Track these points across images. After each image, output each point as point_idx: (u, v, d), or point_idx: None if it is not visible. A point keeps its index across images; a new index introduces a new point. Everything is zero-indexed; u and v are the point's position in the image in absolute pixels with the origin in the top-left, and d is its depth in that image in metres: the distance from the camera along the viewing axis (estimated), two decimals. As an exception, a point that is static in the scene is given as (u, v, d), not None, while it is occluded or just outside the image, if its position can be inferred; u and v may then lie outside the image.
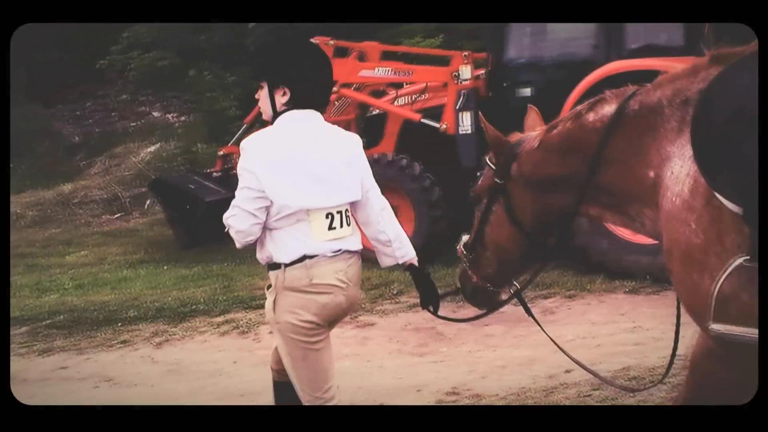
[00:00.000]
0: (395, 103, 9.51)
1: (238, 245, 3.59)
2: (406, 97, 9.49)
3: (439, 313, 3.93)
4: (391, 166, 8.64)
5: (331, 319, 3.60)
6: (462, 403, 5.10)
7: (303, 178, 3.49)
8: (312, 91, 3.66)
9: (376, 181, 3.79)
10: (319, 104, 3.72)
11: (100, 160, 14.55)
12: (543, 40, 8.75)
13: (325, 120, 3.72)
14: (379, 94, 10.01)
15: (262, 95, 3.68)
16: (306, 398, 3.62)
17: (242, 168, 3.52)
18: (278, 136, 3.57)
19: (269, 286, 3.61)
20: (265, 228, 3.53)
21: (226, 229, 3.60)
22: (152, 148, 14.96)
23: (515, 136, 3.58)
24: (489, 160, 3.58)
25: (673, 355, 3.31)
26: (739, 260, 2.63)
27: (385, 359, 6.26)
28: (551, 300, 7.26)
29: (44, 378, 6.24)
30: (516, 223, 3.51)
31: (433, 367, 5.99)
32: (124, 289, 8.79)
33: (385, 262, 3.84)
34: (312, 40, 10.45)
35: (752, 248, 2.58)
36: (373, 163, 4.78)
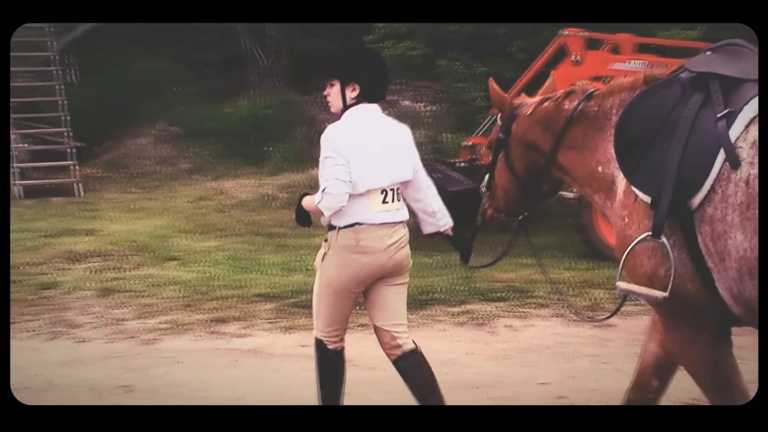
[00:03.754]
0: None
1: (327, 213, 4.25)
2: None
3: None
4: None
5: (370, 278, 4.41)
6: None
7: (367, 162, 4.26)
8: (376, 87, 4.47)
9: None
10: (380, 98, 4.52)
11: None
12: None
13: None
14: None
15: (334, 91, 4.43)
16: (317, 327, 4.53)
17: (328, 153, 4.26)
18: (352, 126, 4.35)
19: (326, 240, 4.41)
20: None
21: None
22: (401, 137, 15.26)
23: (518, 100, 4.40)
24: (499, 118, 4.41)
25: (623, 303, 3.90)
26: (643, 235, 3.35)
27: (623, 363, 6.05)
28: None
29: (287, 354, 6.53)
30: (512, 171, 4.32)
31: (677, 374, 5.72)
32: (367, 273, 9.03)
33: (428, 229, 4.71)
34: (564, 30, 10.31)
35: (655, 227, 3.30)
36: None
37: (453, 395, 5.47)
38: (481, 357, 6.37)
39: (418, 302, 7.86)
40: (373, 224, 4.31)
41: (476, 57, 14.92)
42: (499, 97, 4.40)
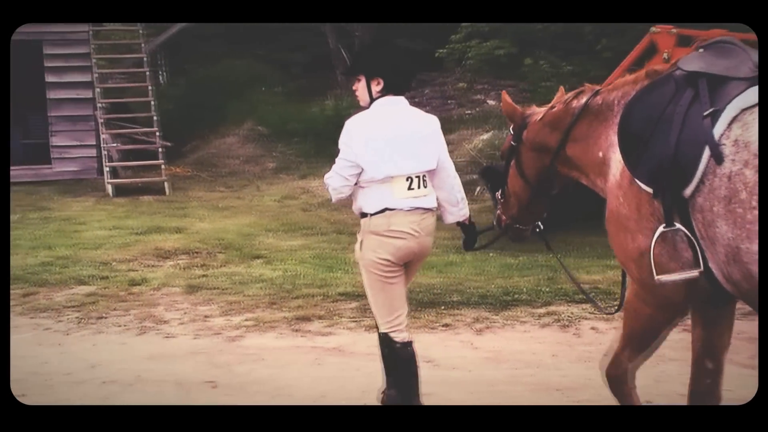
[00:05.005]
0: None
1: (333, 200, 4.75)
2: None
3: None
4: None
5: (404, 260, 4.61)
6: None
7: (390, 150, 4.51)
8: (400, 80, 4.71)
9: None
10: (404, 90, 4.76)
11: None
12: None
13: None
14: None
15: (360, 86, 4.71)
16: (380, 322, 4.67)
17: (343, 143, 4.58)
18: (374, 117, 4.62)
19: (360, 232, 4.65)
20: (358, 186, 4.60)
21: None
22: (486, 136, 15.19)
23: (529, 110, 4.69)
24: (511, 128, 4.72)
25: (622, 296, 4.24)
26: (661, 228, 3.59)
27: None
28: None
29: (370, 353, 6.54)
30: (523, 177, 4.67)
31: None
32: (450, 273, 9.01)
33: (449, 219, 4.96)
34: (654, 27, 10.11)
35: (666, 217, 3.57)
36: None
37: (536, 397, 5.44)
38: (565, 359, 6.29)
39: (501, 303, 7.82)
40: (401, 209, 4.54)
41: (562, 56, 14.76)
42: (510, 108, 4.73)
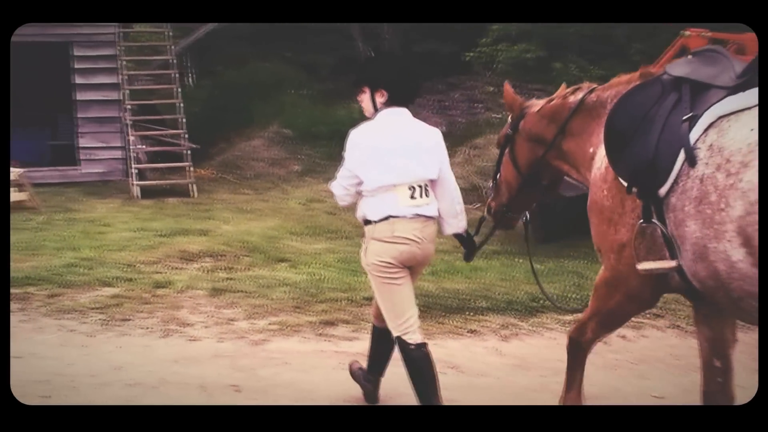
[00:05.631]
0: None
1: (340, 205, 5.01)
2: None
3: None
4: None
5: (407, 264, 4.76)
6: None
7: (392, 160, 4.67)
8: (403, 92, 4.86)
9: None
10: (408, 102, 4.91)
11: (462, 150, 14.99)
12: None
13: None
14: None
15: (365, 98, 4.91)
16: (392, 326, 4.80)
17: (347, 152, 4.77)
18: (377, 128, 4.79)
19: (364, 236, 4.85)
20: (362, 194, 4.78)
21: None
22: (513, 140, 15.11)
23: (528, 101, 5.02)
24: (509, 117, 5.03)
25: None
26: (640, 224, 3.81)
27: (743, 378, 5.83)
28: None
29: (394, 357, 6.52)
30: (515, 165, 4.95)
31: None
32: (477, 278, 8.97)
33: (448, 230, 5.04)
34: (686, 31, 10.04)
35: (646, 213, 3.78)
36: None
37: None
38: (592, 367, 6.20)
39: (528, 309, 7.78)
40: (405, 216, 4.70)
41: (592, 60, 14.70)
42: (511, 98, 5.09)
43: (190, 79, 23.86)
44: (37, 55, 17.02)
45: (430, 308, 7.74)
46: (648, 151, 3.75)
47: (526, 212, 5.38)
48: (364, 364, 5.61)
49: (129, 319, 7.40)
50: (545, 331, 7.24)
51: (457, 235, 5.16)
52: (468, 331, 7.21)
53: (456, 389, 5.70)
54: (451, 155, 5.24)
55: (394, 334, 4.83)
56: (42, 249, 10.01)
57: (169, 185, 15.39)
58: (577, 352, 4.65)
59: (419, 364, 4.77)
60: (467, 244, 5.25)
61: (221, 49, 22.25)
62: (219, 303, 8.00)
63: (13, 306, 7.65)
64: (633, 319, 7.52)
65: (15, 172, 13.25)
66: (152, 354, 6.54)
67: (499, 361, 6.52)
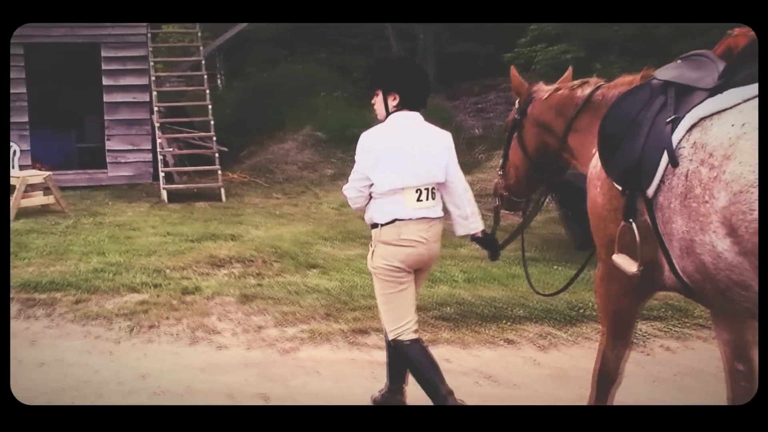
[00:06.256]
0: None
1: (352, 207, 5.12)
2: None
3: None
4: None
5: (414, 266, 4.98)
6: None
7: (401, 163, 4.88)
8: (415, 96, 5.06)
9: None
10: (420, 106, 5.10)
11: (498, 154, 14.93)
12: None
13: None
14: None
15: (378, 100, 5.10)
16: (389, 329, 5.00)
17: (358, 154, 4.97)
18: (388, 131, 4.99)
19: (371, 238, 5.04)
20: (370, 197, 4.98)
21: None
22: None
23: (535, 86, 5.21)
24: (517, 102, 5.26)
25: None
26: (623, 223, 4.05)
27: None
28: None
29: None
30: (524, 149, 5.17)
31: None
32: (513, 286, 8.90)
33: (460, 231, 5.25)
34: (733, 31, 9.91)
35: (627, 213, 4.02)
36: None
37: (603, 419, 5.32)
38: (634, 378, 6.14)
39: (567, 318, 7.70)
40: (411, 219, 4.91)
41: (633, 60, 14.56)
42: (518, 82, 5.30)
43: (221, 81, 24.00)
44: (66, 57, 17.20)
45: (466, 317, 7.70)
46: (635, 153, 3.96)
47: (531, 194, 5.61)
48: (380, 378, 5.62)
49: (156, 326, 7.43)
50: (585, 341, 7.16)
51: (475, 238, 5.33)
52: (504, 341, 7.15)
53: (491, 401, 5.65)
54: (486, 159, 5.29)
55: (390, 336, 5.04)
56: (68, 254, 10.09)
57: (198, 189, 15.46)
58: (607, 385, 4.66)
59: (417, 356, 4.97)
60: (487, 244, 5.44)
61: (252, 51, 22.36)
62: (248, 310, 8.00)
63: (39, 312, 7.72)
64: (678, 329, 7.47)
65: (41, 175, 13.40)
66: (179, 362, 6.56)
67: (536, 371, 6.46)
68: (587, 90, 4.74)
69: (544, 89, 5.13)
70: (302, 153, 17.83)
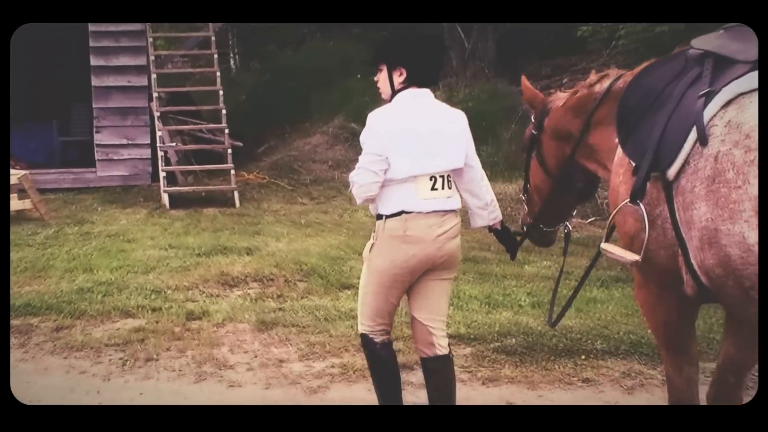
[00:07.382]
0: None
1: (358, 201, 5.24)
2: None
3: None
4: None
5: (419, 270, 5.20)
6: None
7: (414, 147, 5.04)
8: (424, 71, 5.23)
9: None
10: (431, 82, 5.30)
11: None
12: None
13: None
14: None
15: (382, 77, 5.28)
16: (363, 321, 5.34)
17: (366, 137, 5.13)
18: (397, 111, 5.15)
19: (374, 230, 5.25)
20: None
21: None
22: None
23: (551, 96, 5.48)
24: (533, 116, 5.51)
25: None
26: (624, 201, 4.30)
27: None
28: None
29: (487, 403, 6.44)
30: (544, 167, 5.45)
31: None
32: (592, 312, 8.83)
33: (478, 222, 5.54)
34: None
35: (635, 193, 4.22)
36: None
37: None
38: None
39: (658, 353, 7.60)
40: (420, 212, 5.08)
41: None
42: (531, 93, 5.60)
43: (235, 62, 24.09)
44: (47, 35, 17.07)
45: (533, 350, 7.64)
46: (658, 129, 4.15)
47: (566, 224, 5.85)
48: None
49: (155, 359, 7.45)
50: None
51: (494, 231, 5.65)
52: (581, 381, 7.09)
53: None
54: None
55: (361, 329, 5.39)
56: (49, 270, 10.15)
57: (207, 192, 15.53)
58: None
59: (384, 362, 5.41)
60: (506, 239, 5.74)
61: (273, 25, 22.40)
62: (267, 340, 8.01)
63: (12, 341, 7.75)
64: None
65: (15, 175, 13.31)
66: (183, 403, 6.56)
67: (621, 418, 6.39)
68: (606, 83, 4.98)
69: (560, 97, 5.41)
70: (333, 149, 17.87)
